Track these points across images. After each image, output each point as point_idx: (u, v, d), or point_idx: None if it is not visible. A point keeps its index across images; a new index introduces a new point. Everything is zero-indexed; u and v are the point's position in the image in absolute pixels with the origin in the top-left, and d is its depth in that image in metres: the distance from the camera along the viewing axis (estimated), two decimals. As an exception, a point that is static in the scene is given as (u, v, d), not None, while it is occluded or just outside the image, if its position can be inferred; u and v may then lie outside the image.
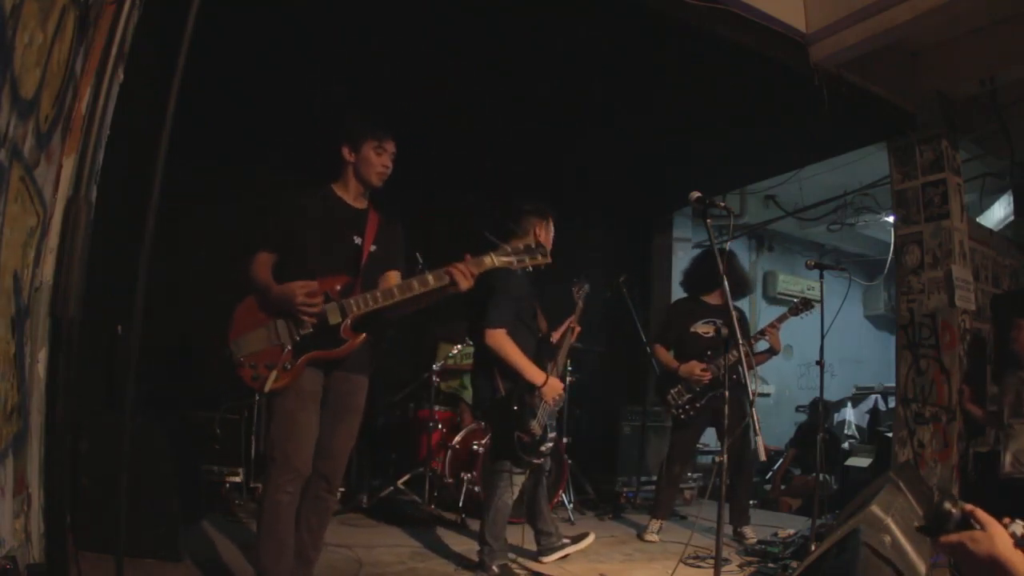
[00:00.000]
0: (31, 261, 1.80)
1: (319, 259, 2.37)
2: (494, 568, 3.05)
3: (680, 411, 4.08)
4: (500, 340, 2.98)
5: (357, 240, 2.44)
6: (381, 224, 2.54)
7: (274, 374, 2.24)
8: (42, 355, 1.95)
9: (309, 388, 2.33)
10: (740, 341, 2.71)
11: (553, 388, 3.13)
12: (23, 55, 1.52)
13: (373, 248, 2.48)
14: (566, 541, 3.43)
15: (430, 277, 2.29)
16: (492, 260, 2.33)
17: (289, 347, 2.27)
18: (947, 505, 1.07)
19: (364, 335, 2.34)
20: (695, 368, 4.03)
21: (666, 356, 4.22)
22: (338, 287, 2.32)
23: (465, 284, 2.29)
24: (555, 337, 3.58)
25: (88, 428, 2.73)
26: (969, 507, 1.07)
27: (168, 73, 1.87)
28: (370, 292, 2.30)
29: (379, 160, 2.47)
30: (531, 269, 2.40)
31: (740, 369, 2.86)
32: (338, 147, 2.48)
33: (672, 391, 4.11)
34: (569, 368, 4.84)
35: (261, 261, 2.39)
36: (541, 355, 3.24)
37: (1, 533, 1.64)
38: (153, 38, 2.55)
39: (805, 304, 4.05)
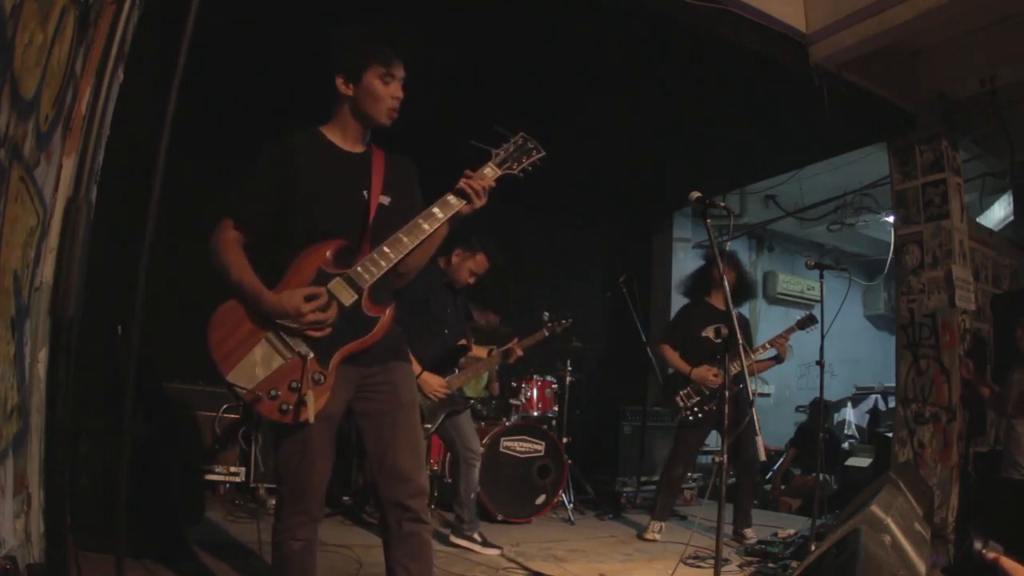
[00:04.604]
0: (31, 261, 1.80)
1: (325, 225, 1.87)
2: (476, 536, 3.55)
3: (690, 413, 4.10)
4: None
5: (364, 194, 1.92)
6: (388, 168, 2.00)
7: (310, 396, 1.74)
8: (42, 355, 1.94)
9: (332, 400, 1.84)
10: (742, 343, 2.71)
11: (425, 382, 3.41)
12: (23, 55, 1.52)
13: (383, 200, 1.95)
14: (477, 538, 3.57)
15: (436, 209, 1.88)
16: (493, 170, 1.96)
17: (311, 354, 1.78)
18: (977, 546, 1.05)
19: (393, 305, 1.88)
20: (707, 375, 4.05)
21: (676, 358, 4.23)
22: (328, 253, 1.83)
23: (478, 201, 1.91)
24: (515, 349, 3.91)
25: (88, 428, 2.73)
26: (993, 555, 1.04)
27: (168, 73, 1.87)
28: (375, 250, 1.84)
29: (387, 91, 1.90)
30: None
31: (743, 377, 2.86)
32: (330, 77, 1.92)
33: (681, 392, 4.14)
34: (569, 368, 4.85)
35: (231, 240, 1.87)
36: (444, 363, 3.59)
37: (1, 533, 1.64)
38: (153, 38, 2.54)
39: (810, 320, 4.11)
